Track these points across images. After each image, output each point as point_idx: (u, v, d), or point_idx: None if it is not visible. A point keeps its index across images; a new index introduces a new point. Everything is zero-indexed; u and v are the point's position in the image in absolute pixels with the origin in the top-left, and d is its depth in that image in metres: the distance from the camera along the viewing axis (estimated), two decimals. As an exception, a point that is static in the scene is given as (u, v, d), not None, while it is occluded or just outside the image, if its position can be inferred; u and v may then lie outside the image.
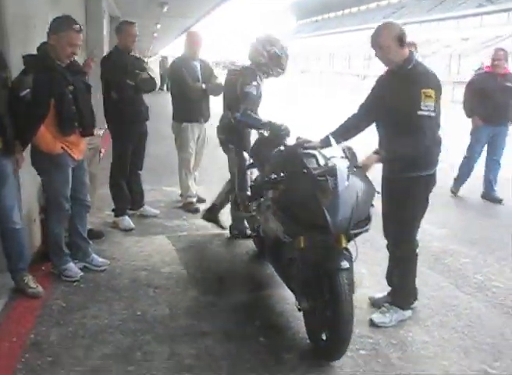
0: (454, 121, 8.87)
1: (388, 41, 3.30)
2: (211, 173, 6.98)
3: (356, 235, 3.07)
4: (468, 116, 6.73)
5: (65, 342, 3.19)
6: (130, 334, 3.30)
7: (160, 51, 56.16)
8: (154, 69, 7.07)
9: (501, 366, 3.14)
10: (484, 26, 34.35)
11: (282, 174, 3.14)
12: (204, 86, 5.69)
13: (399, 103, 3.31)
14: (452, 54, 27.58)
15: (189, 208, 5.95)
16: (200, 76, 5.80)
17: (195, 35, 5.95)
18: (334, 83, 34.97)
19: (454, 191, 6.89)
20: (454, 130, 8.66)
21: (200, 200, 6.15)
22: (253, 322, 3.50)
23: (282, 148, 3.69)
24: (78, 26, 3.57)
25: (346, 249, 3.01)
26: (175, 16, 17.73)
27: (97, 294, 3.82)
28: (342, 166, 3.05)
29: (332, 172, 3.00)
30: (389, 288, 3.74)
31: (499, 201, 6.63)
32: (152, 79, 5.55)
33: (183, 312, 3.61)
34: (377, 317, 3.55)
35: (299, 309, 3.14)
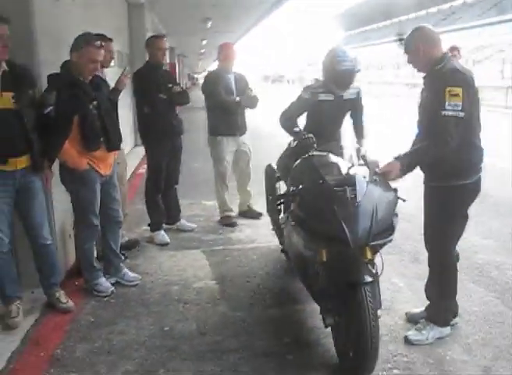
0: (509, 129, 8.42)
1: (418, 44, 3.18)
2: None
3: (381, 246, 2.92)
4: None
5: (90, 358, 3.18)
6: (155, 351, 3.25)
7: (209, 67, 57.09)
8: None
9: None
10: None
11: (300, 186, 3.04)
12: (238, 99, 5.65)
13: (426, 105, 3.17)
14: (505, 58, 26.66)
15: (226, 222, 5.88)
16: (234, 89, 5.77)
17: (227, 47, 5.92)
18: (384, 93, 34.52)
19: None
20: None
21: (257, 214, 6.03)
22: (282, 338, 3.38)
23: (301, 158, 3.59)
24: (98, 42, 3.60)
25: (371, 261, 2.87)
26: (219, 31, 17.98)
27: (126, 310, 3.80)
28: (360, 174, 2.93)
29: (350, 181, 2.88)
30: (427, 303, 3.54)
31: None
32: (185, 92, 5.58)
33: (211, 328, 3.53)
34: (413, 334, 3.35)
35: (325, 325, 3.00)
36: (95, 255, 4.19)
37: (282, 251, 4.23)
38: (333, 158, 3.50)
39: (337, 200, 2.81)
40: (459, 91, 2.96)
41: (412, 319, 3.56)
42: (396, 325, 3.53)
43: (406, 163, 3.09)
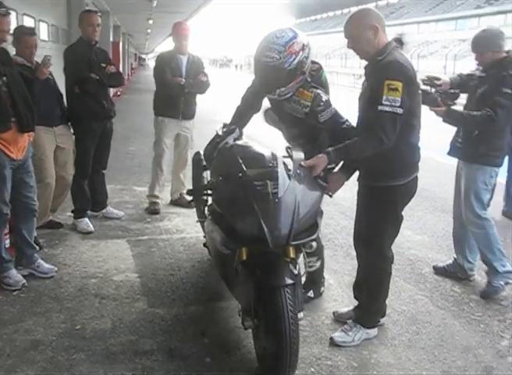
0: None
1: (360, 30, 2.93)
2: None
3: (304, 245, 2.75)
4: None
5: (-13, 361, 2.87)
6: (63, 352, 2.98)
7: (157, 48, 55.83)
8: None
9: (471, 393, 2.83)
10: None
11: (220, 178, 2.80)
12: (183, 81, 5.36)
13: (364, 98, 2.98)
14: (448, 55, 27.29)
15: (149, 209, 5.63)
16: (183, 71, 5.48)
17: (178, 26, 5.61)
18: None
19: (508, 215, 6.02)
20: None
21: (189, 204, 5.75)
22: (201, 339, 3.18)
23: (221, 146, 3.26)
24: (3, 9, 3.24)
25: (293, 261, 2.67)
26: (166, 11, 17.44)
27: (36, 305, 3.50)
28: (283, 168, 2.73)
29: (271, 175, 2.66)
30: (356, 302, 3.42)
31: None
32: (119, 73, 5.27)
33: (126, 326, 3.28)
34: (339, 336, 3.21)
35: (244, 328, 2.80)
36: (7, 245, 3.86)
37: (205, 245, 4.02)
38: (257, 148, 3.16)
39: (257, 195, 2.59)
40: (398, 85, 2.74)
41: (340, 319, 3.43)
42: (322, 325, 3.39)
43: (334, 158, 2.90)
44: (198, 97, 5.72)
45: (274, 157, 2.91)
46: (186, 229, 5.14)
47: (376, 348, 3.19)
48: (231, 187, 2.72)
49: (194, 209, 4.88)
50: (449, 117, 3.78)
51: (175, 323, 3.34)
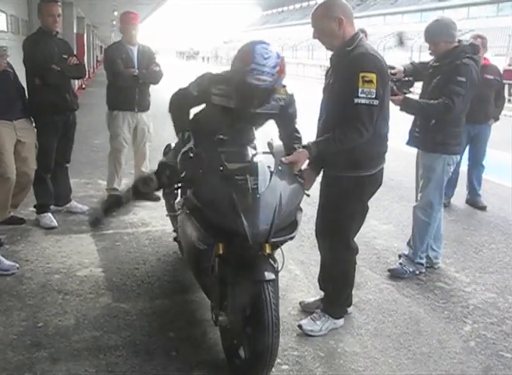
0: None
1: (325, 21, 2.91)
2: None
3: (282, 243, 2.71)
4: None
5: None
6: (24, 351, 2.89)
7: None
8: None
9: (436, 379, 2.86)
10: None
11: (201, 171, 2.70)
12: (136, 72, 5.28)
13: (336, 91, 2.93)
14: (413, 46, 27.62)
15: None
16: (135, 62, 5.41)
17: (127, 15, 5.52)
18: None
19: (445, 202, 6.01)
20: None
21: (154, 197, 5.63)
22: (167, 333, 3.14)
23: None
24: None
25: (271, 256, 2.64)
26: (131, 2, 17.15)
27: (-4, 303, 3.41)
28: (264, 163, 2.67)
29: (252, 170, 2.61)
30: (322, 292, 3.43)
31: (482, 207, 5.97)
32: (81, 64, 5.15)
33: (90, 322, 3.22)
34: (307, 324, 3.22)
35: (216, 324, 2.76)
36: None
37: (175, 240, 3.96)
38: (238, 144, 3.07)
39: (237, 190, 2.53)
40: (373, 76, 2.74)
41: (306, 309, 3.44)
42: (289, 316, 3.39)
43: (314, 152, 2.88)
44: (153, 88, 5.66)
45: (254, 152, 2.88)
46: (151, 222, 5.08)
47: (342, 338, 3.20)
48: (212, 180, 2.64)
49: (160, 202, 4.84)
50: (407, 106, 3.81)
51: (140, 318, 3.30)
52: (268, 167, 2.70)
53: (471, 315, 3.56)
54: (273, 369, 2.79)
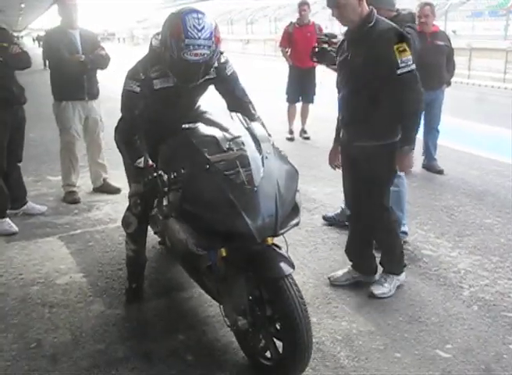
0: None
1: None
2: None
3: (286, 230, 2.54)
4: None
5: None
6: (24, 377, 2.63)
7: (31, 24, 51.96)
8: (28, 45, 6.14)
9: (454, 348, 2.87)
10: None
11: (182, 171, 2.43)
12: (83, 57, 4.91)
13: (359, 65, 3.00)
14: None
15: (68, 199, 5.22)
16: (79, 48, 5.02)
17: None
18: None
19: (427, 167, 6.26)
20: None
21: (115, 189, 5.41)
22: (175, 335, 2.95)
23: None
24: None
25: (278, 247, 2.49)
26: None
27: (-27, 329, 3.07)
28: (251, 148, 2.47)
29: (242, 161, 2.40)
30: (349, 264, 3.58)
31: (439, 171, 6.08)
32: (25, 53, 4.71)
33: (89, 334, 2.97)
34: (375, 288, 3.38)
35: (232, 328, 2.59)
36: None
37: (161, 243, 3.72)
38: (206, 129, 2.69)
39: (233, 188, 2.33)
40: (405, 45, 2.91)
41: (337, 282, 3.54)
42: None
43: (412, 143, 3.08)
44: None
45: (230, 137, 2.58)
46: (118, 217, 4.72)
47: (353, 318, 3.15)
48: (199, 182, 2.39)
49: (120, 194, 4.57)
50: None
51: (141, 323, 3.09)
52: (258, 151, 2.48)
53: (465, 279, 3.62)
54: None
